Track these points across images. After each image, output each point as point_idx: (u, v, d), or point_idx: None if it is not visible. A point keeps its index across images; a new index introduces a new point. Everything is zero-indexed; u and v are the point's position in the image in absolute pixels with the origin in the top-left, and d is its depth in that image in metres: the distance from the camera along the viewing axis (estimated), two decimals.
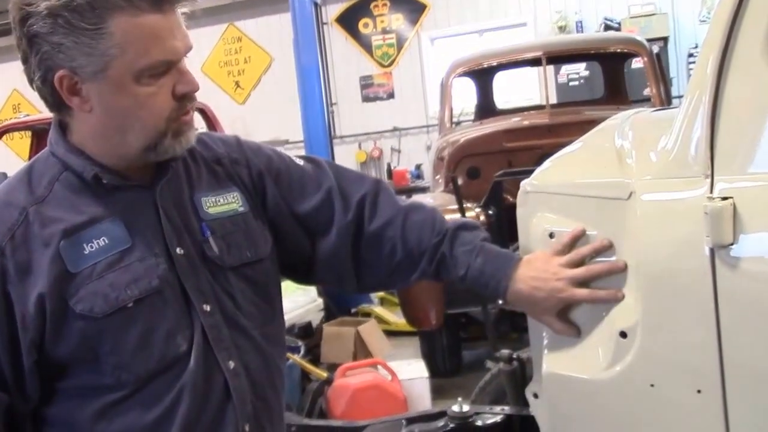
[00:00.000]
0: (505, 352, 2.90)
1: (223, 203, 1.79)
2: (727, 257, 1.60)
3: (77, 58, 1.53)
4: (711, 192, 1.63)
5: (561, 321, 1.86)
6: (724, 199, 1.59)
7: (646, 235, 1.73)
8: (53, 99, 1.61)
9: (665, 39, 10.79)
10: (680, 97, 1.56)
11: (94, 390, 1.62)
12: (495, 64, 6.87)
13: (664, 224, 1.72)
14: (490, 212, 5.25)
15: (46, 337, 1.57)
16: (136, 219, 1.66)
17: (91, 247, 1.60)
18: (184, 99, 1.64)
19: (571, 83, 10.56)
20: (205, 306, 1.68)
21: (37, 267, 1.56)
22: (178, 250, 1.68)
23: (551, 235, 1.88)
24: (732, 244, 1.59)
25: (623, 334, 1.76)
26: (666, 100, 6.40)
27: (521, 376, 2.82)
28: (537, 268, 1.84)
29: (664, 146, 1.77)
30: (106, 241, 1.61)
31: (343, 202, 1.92)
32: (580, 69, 10.42)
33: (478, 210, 5.24)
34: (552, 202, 1.91)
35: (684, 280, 1.68)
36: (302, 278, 2.03)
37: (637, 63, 7.56)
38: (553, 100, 8.83)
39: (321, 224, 1.91)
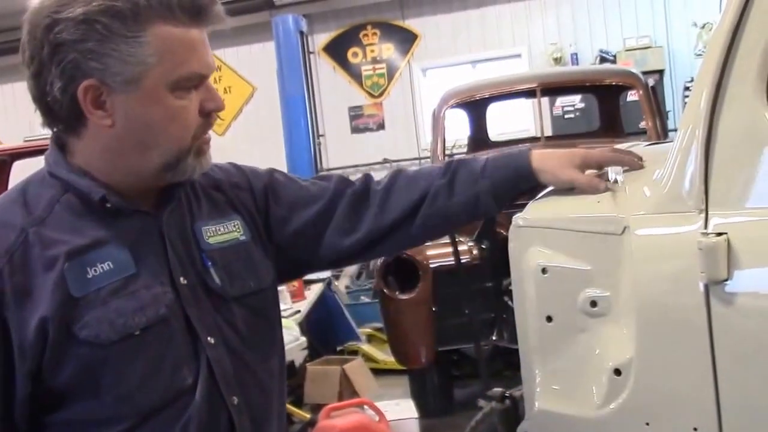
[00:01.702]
0: (497, 390, 2.83)
1: (224, 232, 1.75)
2: (722, 293, 1.58)
3: (112, 66, 1.49)
4: (705, 227, 1.62)
5: (584, 176, 1.89)
6: (719, 234, 1.57)
7: (641, 270, 1.71)
8: (68, 113, 1.55)
9: (661, 72, 10.81)
10: (676, 130, 1.56)
11: (89, 425, 1.55)
12: (488, 95, 6.84)
13: (658, 260, 1.70)
14: (483, 246, 5.22)
15: (44, 365, 1.50)
16: (141, 246, 1.61)
17: (95, 271, 1.54)
18: (209, 117, 1.62)
19: (566, 115, 10.56)
20: (209, 338, 1.63)
21: (39, 291, 1.50)
22: (182, 280, 1.64)
23: (544, 271, 1.86)
24: (726, 281, 1.57)
25: (617, 372, 1.73)
26: (662, 134, 6.37)
27: (514, 414, 2.75)
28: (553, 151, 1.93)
29: (658, 181, 1.76)
30: (111, 266, 1.55)
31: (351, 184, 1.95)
32: (575, 101, 10.42)
33: (471, 244, 5.21)
34: (545, 236, 1.88)
35: (679, 317, 1.66)
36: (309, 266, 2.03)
37: (632, 96, 7.58)
38: (549, 132, 8.84)
39: (325, 214, 1.91)
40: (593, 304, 1.81)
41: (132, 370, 1.55)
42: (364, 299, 8.76)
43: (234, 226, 1.77)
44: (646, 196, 1.78)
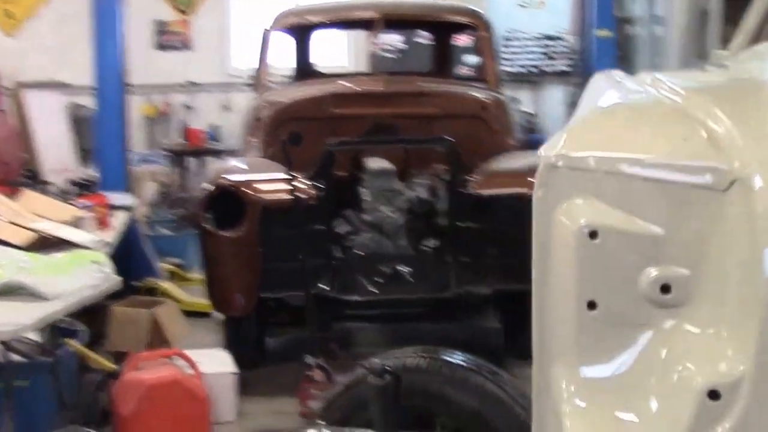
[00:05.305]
0: (376, 362, 2.36)
1: None
2: None
3: None
4: None
5: None
6: None
7: (761, 245, 1.14)
8: None
9: None
10: None
11: None
12: (327, 20, 6.46)
13: None
14: (321, 186, 4.81)
15: None
16: None
17: None
18: None
19: (386, 54, 10.21)
20: None
21: None
22: None
23: (593, 235, 1.26)
24: None
25: (714, 394, 1.16)
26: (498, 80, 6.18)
27: (394, 394, 2.27)
28: None
29: None
30: None
31: None
32: (397, 41, 10.08)
33: (306, 182, 4.75)
34: (596, 184, 1.27)
35: None
36: None
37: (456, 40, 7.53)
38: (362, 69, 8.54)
39: None
40: (665, 288, 1.23)
41: None
42: (165, 231, 8.15)
43: None
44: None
